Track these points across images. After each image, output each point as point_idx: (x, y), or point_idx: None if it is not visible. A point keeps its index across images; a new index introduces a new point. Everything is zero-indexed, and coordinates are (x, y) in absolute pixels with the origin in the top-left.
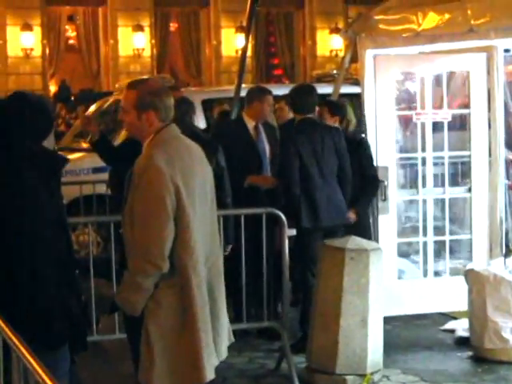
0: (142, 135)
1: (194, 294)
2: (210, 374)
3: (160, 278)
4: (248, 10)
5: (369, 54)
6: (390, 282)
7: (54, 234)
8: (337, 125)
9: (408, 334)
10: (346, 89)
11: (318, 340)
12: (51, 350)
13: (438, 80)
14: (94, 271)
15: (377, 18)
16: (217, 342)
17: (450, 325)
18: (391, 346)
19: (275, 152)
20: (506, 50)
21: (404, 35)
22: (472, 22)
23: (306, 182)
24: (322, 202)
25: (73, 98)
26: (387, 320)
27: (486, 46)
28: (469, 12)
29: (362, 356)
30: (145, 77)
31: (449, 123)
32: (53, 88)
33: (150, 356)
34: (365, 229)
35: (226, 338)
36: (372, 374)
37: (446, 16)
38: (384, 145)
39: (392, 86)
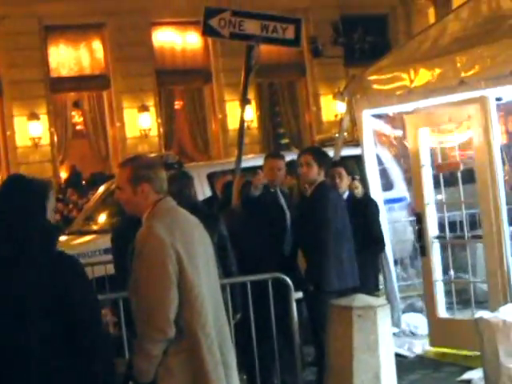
0: (139, 210)
1: (205, 355)
2: None
3: (168, 344)
4: (242, 81)
5: (365, 115)
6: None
7: None
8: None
9: None
10: (349, 151)
11: None
12: None
13: None
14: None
15: (370, 78)
16: None
17: (466, 375)
18: None
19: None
20: (498, 99)
21: (397, 93)
22: (462, 74)
23: (335, 243)
24: (347, 265)
25: (84, 183)
26: (403, 375)
27: (478, 97)
28: (458, 65)
29: None
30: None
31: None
32: (63, 174)
33: None
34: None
35: None
36: None
37: (437, 71)
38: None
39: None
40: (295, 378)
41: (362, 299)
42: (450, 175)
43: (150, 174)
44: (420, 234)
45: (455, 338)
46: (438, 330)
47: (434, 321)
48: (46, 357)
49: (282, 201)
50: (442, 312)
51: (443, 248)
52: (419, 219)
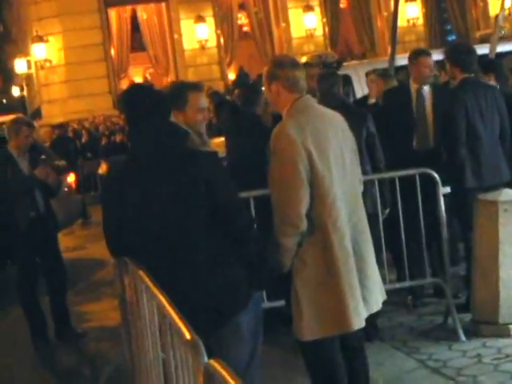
0: (277, 106)
1: (336, 249)
2: (357, 323)
3: (303, 238)
4: None
5: None
6: None
7: None
8: (493, 83)
9: None
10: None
11: (479, 292)
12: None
13: None
14: None
15: None
16: (365, 295)
17: None
18: None
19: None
20: None
21: None
22: None
23: (472, 141)
24: (486, 161)
25: (251, 83)
26: None
27: None
28: None
29: None
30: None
31: None
32: (231, 75)
33: (299, 310)
34: None
35: (377, 292)
36: None
37: None
38: None
39: None
40: (444, 273)
41: (508, 194)
42: None
43: (278, 73)
44: None
45: None
46: None
47: None
48: (203, 240)
49: (423, 97)
50: None
51: None
52: None
